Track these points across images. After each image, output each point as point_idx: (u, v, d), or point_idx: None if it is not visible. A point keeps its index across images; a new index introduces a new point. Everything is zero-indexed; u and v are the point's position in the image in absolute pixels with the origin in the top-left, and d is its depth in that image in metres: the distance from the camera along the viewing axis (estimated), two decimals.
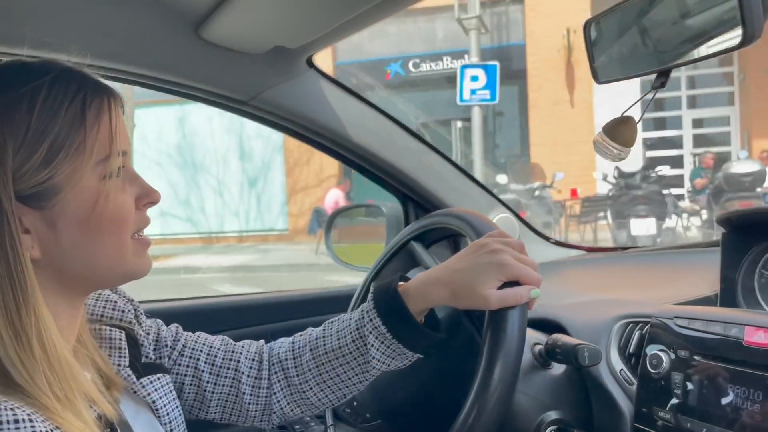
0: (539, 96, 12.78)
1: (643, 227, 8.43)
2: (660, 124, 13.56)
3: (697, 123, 13.35)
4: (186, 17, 1.08)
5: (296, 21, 1.08)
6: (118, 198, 0.70)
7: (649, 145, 12.60)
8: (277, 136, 13.60)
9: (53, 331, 0.64)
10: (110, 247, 0.70)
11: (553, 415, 0.96)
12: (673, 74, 0.77)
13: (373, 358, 0.87)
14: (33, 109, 0.65)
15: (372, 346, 0.87)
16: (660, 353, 0.89)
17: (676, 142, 13.35)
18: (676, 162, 12.67)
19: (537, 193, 10.20)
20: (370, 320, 0.87)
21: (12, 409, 0.57)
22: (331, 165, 13.29)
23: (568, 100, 12.60)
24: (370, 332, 0.87)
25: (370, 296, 0.90)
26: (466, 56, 11.47)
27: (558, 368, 1.00)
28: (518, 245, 0.85)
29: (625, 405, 0.93)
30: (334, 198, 11.28)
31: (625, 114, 0.80)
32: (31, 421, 0.57)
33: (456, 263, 0.85)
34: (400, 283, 0.88)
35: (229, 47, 1.15)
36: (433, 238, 1.17)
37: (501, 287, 0.81)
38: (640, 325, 0.98)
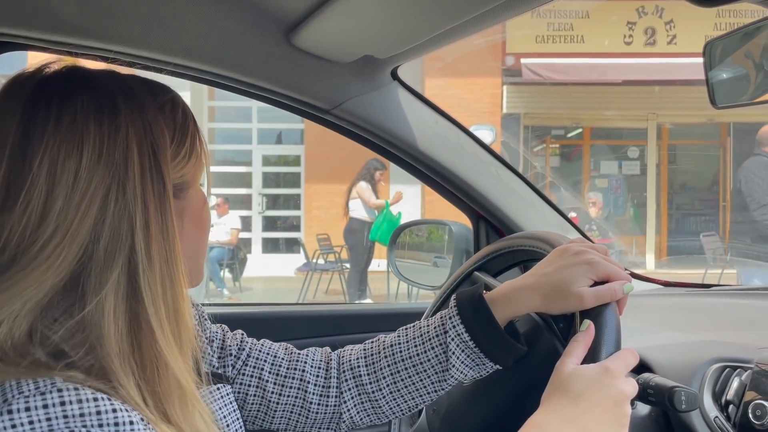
0: None
1: None
2: None
3: None
4: (278, 23, 1.08)
5: (389, 31, 1.06)
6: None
7: None
8: None
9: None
10: (204, 247, 0.76)
11: None
12: None
13: (453, 366, 0.85)
14: (176, 112, 0.71)
15: (453, 354, 0.85)
16: (764, 403, 0.82)
17: None
18: None
19: None
20: (453, 327, 0.86)
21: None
22: None
23: None
24: (452, 339, 0.85)
25: (452, 302, 0.88)
26: None
27: (642, 408, 0.94)
28: (602, 249, 0.84)
29: None
30: None
31: None
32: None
33: (542, 268, 0.84)
34: (484, 291, 0.87)
35: (318, 54, 1.14)
36: (504, 265, 1.14)
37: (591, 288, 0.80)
38: (738, 370, 0.91)
